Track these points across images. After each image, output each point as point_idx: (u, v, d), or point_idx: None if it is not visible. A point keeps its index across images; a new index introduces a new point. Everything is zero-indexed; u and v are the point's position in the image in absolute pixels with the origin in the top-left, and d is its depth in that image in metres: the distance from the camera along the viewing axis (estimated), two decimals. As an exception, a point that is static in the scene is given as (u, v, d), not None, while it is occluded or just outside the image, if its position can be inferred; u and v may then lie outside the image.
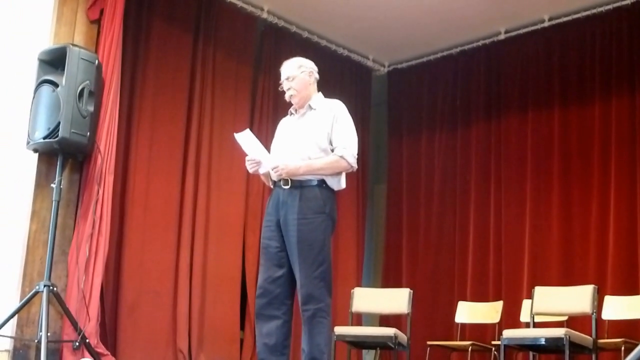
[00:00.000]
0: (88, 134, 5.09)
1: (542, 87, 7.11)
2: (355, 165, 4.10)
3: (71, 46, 5.09)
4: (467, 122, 7.65)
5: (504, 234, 7.04)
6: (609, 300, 5.93)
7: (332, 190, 4.11)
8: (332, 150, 4.07)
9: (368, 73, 8.30)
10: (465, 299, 6.88)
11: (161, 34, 6.30)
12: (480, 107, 7.56)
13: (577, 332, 5.23)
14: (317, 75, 4.25)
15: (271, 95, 7.09)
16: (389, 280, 7.70)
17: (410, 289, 6.28)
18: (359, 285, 7.25)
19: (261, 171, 4.16)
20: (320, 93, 4.25)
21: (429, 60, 7.91)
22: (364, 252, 7.92)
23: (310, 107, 4.18)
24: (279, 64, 6.93)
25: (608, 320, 5.87)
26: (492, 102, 7.48)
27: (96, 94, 5.18)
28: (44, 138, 4.97)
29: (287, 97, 4.21)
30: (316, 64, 4.30)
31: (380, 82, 8.41)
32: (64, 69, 5.00)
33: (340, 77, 7.84)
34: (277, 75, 6.92)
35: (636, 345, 5.53)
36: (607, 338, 5.67)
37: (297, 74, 4.18)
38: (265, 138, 6.84)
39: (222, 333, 6.41)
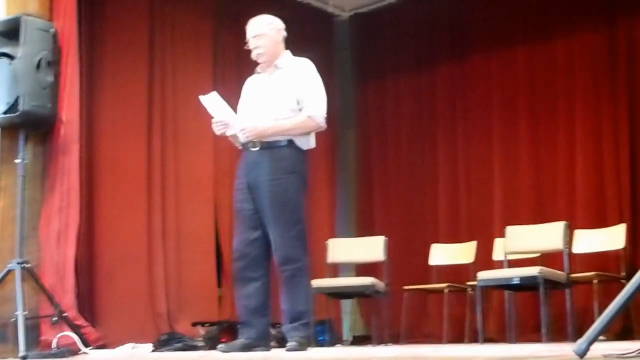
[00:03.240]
0: (49, 105, 4.98)
1: (505, 26, 7.09)
2: (324, 125, 4.09)
3: (25, 16, 4.92)
4: (432, 65, 7.61)
5: (473, 174, 7.10)
6: (580, 235, 6.05)
7: (302, 149, 4.09)
8: (300, 110, 4.04)
9: (330, 19, 8.19)
10: (438, 241, 6.96)
11: (117, -6, 6.14)
12: (445, 49, 7.53)
13: (550, 269, 5.35)
14: (285, 33, 4.20)
15: (233, 49, 6.91)
16: (363, 227, 7.74)
17: (384, 235, 6.35)
18: (334, 235, 7.30)
19: (228, 133, 4.14)
20: (288, 51, 4.19)
21: (391, 3, 7.80)
22: (336, 199, 7.94)
23: (277, 67, 4.13)
24: (240, 17, 6.89)
25: (580, 254, 5.99)
26: (455, 43, 7.45)
27: (54, 63, 5.05)
28: (4, 113, 4.85)
29: (253, 55, 4.15)
30: (277, 14, 4.25)
31: (343, 27, 8.32)
32: (19, 40, 4.86)
33: (301, 25, 7.65)
34: (238, 29, 6.79)
35: (608, 277, 5.71)
36: (580, 272, 5.79)
37: (266, 31, 4.12)
38: (230, 92, 6.73)
39: (200, 292, 6.43)
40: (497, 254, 6.28)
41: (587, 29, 6.59)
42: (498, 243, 6.30)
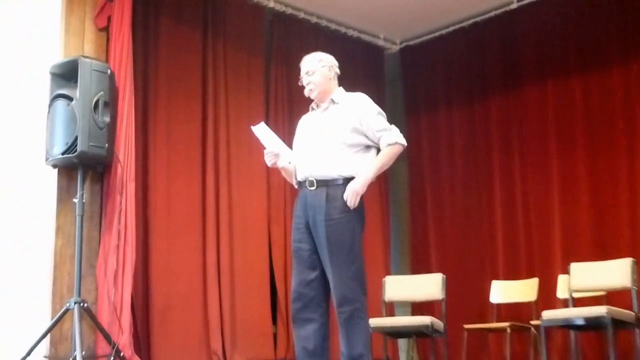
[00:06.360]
0: (106, 145, 5.07)
1: (560, 55, 6.98)
2: (405, 143, 4.06)
3: (82, 58, 5.05)
4: (485, 96, 7.54)
5: (532, 207, 6.94)
6: (648, 271, 5.85)
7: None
8: (365, 146, 4.01)
9: (380, 52, 8.23)
10: (498, 278, 6.82)
11: (170, 34, 6.23)
12: (497, 80, 7.44)
13: (618, 309, 5.17)
14: (337, 70, 4.19)
15: (285, 84, 7.06)
16: (418, 264, 7.64)
17: (440, 271, 6.24)
18: (388, 272, 7.22)
19: (279, 164, 4.11)
20: (341, 88, 4.18)
21: (441, 35, 7.79)
22: (390, 235, 7.86)
23: (332, 101, 4.11)
24: (290, 52, 7.01)
25: (649, 292, 5.80)
26: (508, 74, 7.36)
27: (111, 103, 5.15)
28: (63, 153, 4.96)
29: (306, 92, 4.14)
30: (327, 48, 4.28)
31: (393, 60, 8.35)
32: (76, 82, 4.98)
33: (352, 59, 7.71)
34: (289, 64, 6.94)
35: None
36: (649, 311, 5.60)
37: (317, 68, 4.11)
38: (282, 127, 6.84)
39: (255, 330, 6.39)
40: (561, 291, 6.12)
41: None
42: (561, 280, 6.15)
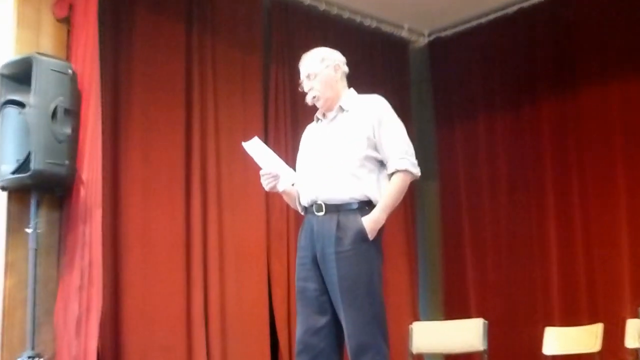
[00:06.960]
0: (67, 162, 5.10)
1: (626, 48, 6.99)
2: (419, 173, 4.05)
3: (37, 55, 5.08)
4: (535, 98, 7.59)
5: (594, 236, 6.97)
6: None
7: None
8: (380, 161, 4.00)
9: (404, 46, 8.34)
10: (552, 324, 6.76)
11: (147, 27, 6.24)
12: (550, 79, 7.49)
13: (702, 362, 5.14)
14: (345, 68, 4.21)
15: (287, 88, 7.10)
16: (453, 307, 7.68)
17: (481, 315, 6.19)
18: (416, 317, 7.26)
19: (279, 188, 4.12)
20: (352, 89, 4.20)
21: (479, 25, 7.87)
22: (418, 271, 7.89)
23: (341, 109, 4.13)
24: (294, 48, 7.06)
25: None
26: (564, 71, 7.40)
27: (73, 111, 5.18)
28: (13, 173, 4.98)
29: (308, 100, 4.18)
30: (339, 42, 4.41)
31: (420, 55, 8.44)
32: (30, 85, 5.01)
33: (370, 54, 7.83)
34: (293, 63, 6.93)
35: None
36: None
37: (320, 69, 4.13)
38: (284, 140, 6.87)
39: (252, 390, 6.40)
40: (630, 340, 6.07)
41: None
42: (631, 326, 6.11)
